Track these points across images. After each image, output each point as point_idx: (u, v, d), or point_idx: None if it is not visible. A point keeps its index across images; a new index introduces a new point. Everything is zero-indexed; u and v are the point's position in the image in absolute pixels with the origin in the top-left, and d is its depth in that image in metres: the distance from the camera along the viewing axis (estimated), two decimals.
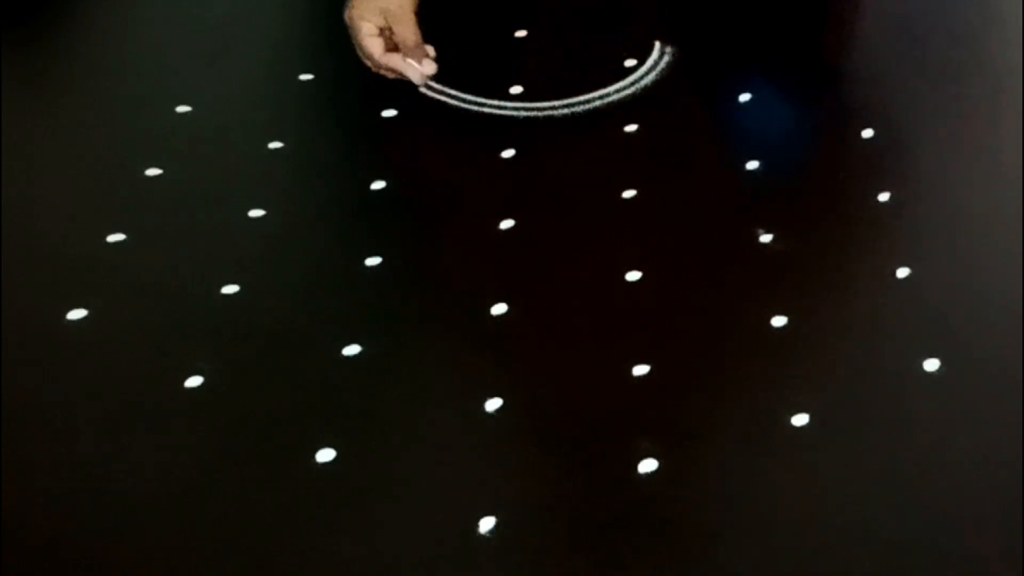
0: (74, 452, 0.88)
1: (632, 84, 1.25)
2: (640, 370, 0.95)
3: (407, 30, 1.21)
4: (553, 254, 1.06)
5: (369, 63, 1.24)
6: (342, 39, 1.23)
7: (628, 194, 1.12)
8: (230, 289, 1.01)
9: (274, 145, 1.16)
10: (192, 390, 0.92)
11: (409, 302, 1.01)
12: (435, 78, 1.22)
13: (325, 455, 0.88)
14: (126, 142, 1.16)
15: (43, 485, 0.86)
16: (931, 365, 0.96)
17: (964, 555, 0.84)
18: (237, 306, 1.00)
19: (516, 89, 1.24)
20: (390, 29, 1.21)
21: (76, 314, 0.98)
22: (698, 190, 1.14)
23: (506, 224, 1.08)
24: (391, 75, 1.23)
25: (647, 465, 0.88)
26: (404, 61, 1.21)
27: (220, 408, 0.91)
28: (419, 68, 1.22)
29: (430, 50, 1.23)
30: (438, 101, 1.23)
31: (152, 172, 1.12)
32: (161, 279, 1.02)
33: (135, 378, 0.93)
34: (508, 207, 1.10)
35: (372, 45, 1.22)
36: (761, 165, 1.15)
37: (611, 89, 1.24)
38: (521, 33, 1.33)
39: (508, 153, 1.16)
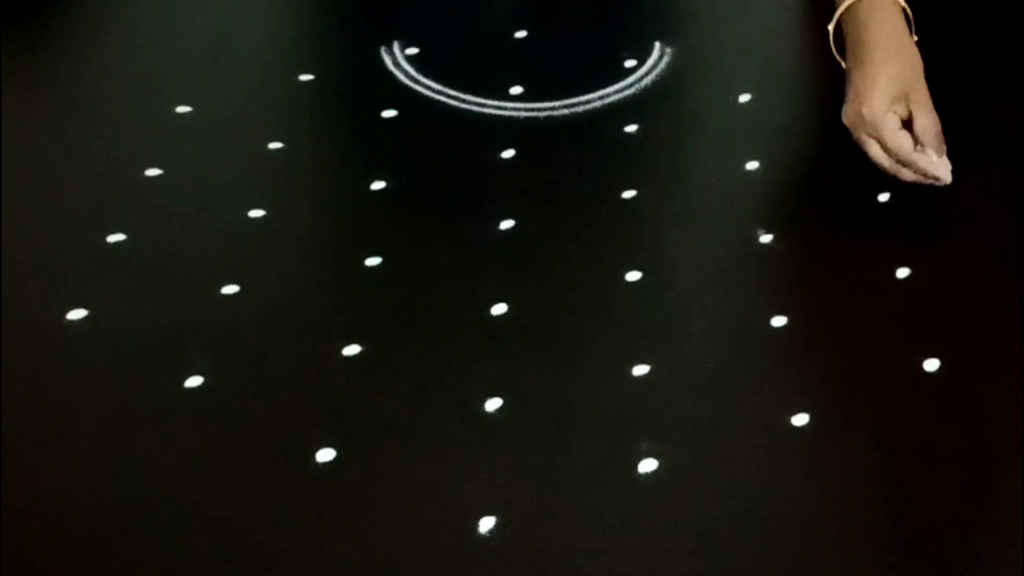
0: (74, 452, 0.88)
1: (632, 84, 1.25)
2: (640, 370, 0.95)
3: (931, 115, 1.04)
4: (553, 254, 1.06)
5: (886, 163, 1.06)
6: (342, 39, 1.23)
7: (628, 194, 1.12)
8: (230, 289, 1.01)
9: (274, 145, 1.16)
10: (192, 390, 0.92)
11: (409, 302, 1.01)
12: (435, 78, 1.22)
13: (325, 455, 0.88)
14: (126, 142, 1.16)
15: (43, 485, 0.85)
16: (931, 365, 0.96)
17: (964, 555, 0.84)
18: (237, 306, 1.00)
19: (516, 89, 1.24)
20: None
21: (76, 314, 0.98)
22: (698, 190, 1.14)
23: (506, 224, 1.08)
24: (909, 176, 1.05)
25: (647, 465, 0.88)
26: (926, 154, 1.04)
27: (220, 408, 0.91)
28: (946, 162, 1.04)
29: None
30: (438, 101, 1.23)
31: (152, 172, 1.12)
32: (161, 279, 1.02)
33: (135, 378, 0.93)
34: (508, 207, 1.10)
35: (902, 140, 1.04)
36: (761, 165, 1.15)
37: (611, 89, 1.24)
38: (521, 33, 1.33)
39: (508, 153, 1.16)
